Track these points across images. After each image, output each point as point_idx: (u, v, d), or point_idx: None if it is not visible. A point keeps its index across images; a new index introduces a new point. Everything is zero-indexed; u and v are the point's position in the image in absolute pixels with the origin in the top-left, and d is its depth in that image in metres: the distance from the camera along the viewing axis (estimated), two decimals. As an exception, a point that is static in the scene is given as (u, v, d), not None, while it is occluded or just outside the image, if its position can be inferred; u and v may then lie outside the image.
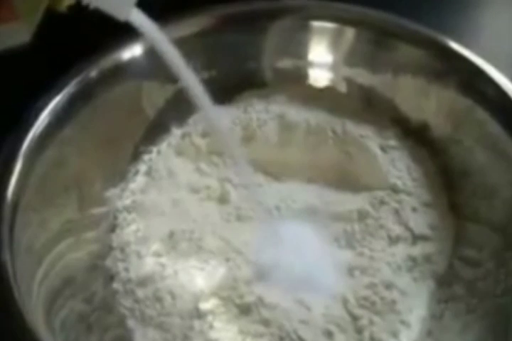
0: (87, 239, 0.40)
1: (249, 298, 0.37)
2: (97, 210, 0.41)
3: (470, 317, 0.37)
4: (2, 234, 0.33)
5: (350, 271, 0.39)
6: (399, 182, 0.41)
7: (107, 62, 0.40)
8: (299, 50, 0.45)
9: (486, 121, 0.40)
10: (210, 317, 0.37)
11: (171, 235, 0.40)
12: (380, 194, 0.41)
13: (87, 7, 0.29)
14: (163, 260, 0.39)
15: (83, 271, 0.39)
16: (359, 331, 0.37)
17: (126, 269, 0.39)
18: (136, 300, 0.38)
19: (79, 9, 0.29)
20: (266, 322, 0.37)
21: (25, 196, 0.35)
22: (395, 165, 0.42)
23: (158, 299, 0.38)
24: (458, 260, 0.40)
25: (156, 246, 0.40)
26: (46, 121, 0.38)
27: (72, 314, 0.35)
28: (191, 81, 0.34)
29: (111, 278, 0.39)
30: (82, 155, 0.40)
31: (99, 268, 0.39)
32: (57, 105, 0.38)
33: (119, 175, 0.43)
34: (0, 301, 0.31)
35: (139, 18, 0.32)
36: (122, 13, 0.30)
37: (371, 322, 0.37)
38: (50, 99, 0.38)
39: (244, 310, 0.37)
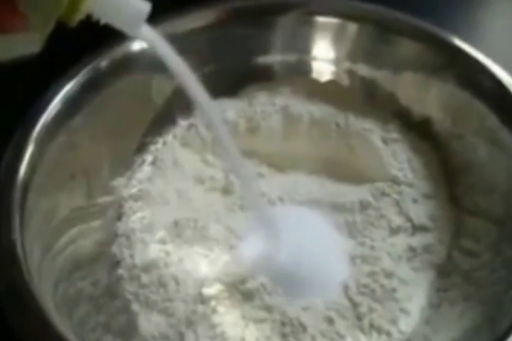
0: (94, 227, 0.41)
1: (252, 284, 0.38)
2: (103, 199, 0.42)
3: (466, 304, 0.37)
4: (13, 215, 0.34)
5: (352, 259, 0.40)
6: (400, 174, 0.42)
7: (116, 52, 0.41)
8: (302, 45, 0.46)
9: (486, 115, 0.41)
10: (213, 302, 0.38)
11: (176, 224, 0.41)
12: (381, 185, 0.42)
13: (97, 22, 0.30)
14: (168, 247, 0.40)
15: (89, 257, 0.39)
16: (359, 318, 0.38)
17: (132, 256, 0.40)
18: (141, 286, 0.39)
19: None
20: (268, 308, 0.37)
21: (36, 180, 0.36)
22: (397, 157, 0.43)
23: (163, 284, 0.38)
24: (457, 251, 0.40)
25: (161, 234, 0.41)
26: (56, 109, 0.38)
27: (81, 295, 0.36)
28: (190, 83, 0.35)
29: (116, 264, 0.40)
30: (90, 143, 0.41)
31: (105, 255, 0.40)
32: (67, 94, 0.39)
33: (125, 165, 0.43)
34: (10, 279, 0.32)
35: (148, 35, 0.32)
36: (133, 28, 0.31)
37: (371, 310, 0.38)
38: (60, 88, 0.39)
39: (247, 296, 0.38)
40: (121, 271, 0.40)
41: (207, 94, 0.35)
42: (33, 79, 0.43)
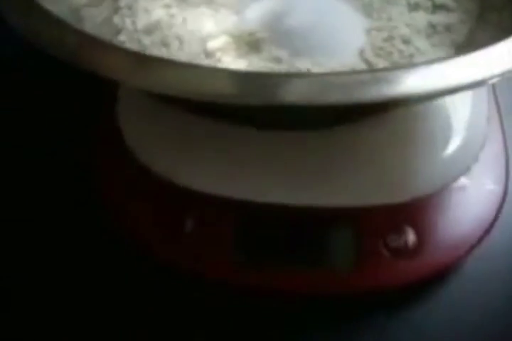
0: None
1: (261, 35, 0.35)
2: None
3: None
4: None
5: (368, 31, 0.37)
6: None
7: None
8: None
9: None
10: (218, 54, 0.35)
11: (182, -6, 0.39)
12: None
13: None
14: (173, 10, 0.38)
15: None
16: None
17: (133, 22, 0.38)
18: (142, 47, 0.36)
19: None
20: (277, 60, 0.35)
21: None
22: None
23: (166, 45, 0.36)
24: (478, 33, 0.38)
25: (165, 1, 0.38)
26: None
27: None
28: None
29: (117, 32, 0.38)
30: None
31: (105, 29, 0.38)
32: None
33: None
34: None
35: None
36: None
37: (387, 71, 0.35)
38: None
39: (255, 48, 0.35)
40: (122, 37, 0.37)
41: None
42: None
